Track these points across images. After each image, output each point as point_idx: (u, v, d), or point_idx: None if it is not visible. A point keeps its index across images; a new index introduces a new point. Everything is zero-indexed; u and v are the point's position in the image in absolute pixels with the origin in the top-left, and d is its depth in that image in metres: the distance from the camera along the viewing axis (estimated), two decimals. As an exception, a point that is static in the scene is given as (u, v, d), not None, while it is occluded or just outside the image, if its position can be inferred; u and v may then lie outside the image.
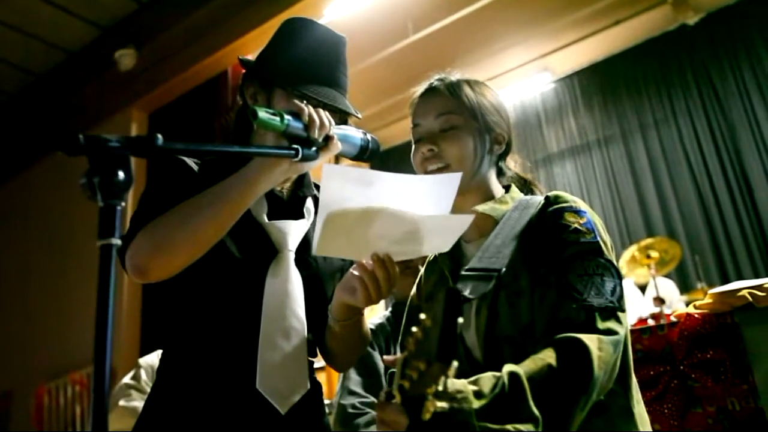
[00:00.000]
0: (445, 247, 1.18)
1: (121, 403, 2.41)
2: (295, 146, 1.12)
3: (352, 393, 2.13)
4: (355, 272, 1.18)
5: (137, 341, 4.38)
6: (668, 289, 4.90)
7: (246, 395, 1.21)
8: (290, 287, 1.28)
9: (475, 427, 0.87)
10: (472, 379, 0.94)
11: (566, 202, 1.18)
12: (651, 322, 3.78)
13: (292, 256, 1.31)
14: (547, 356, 0.98)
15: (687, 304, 4.21)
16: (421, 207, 1.10)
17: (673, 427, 1.66)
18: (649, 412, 1.69)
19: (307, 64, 1.32)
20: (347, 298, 1.21)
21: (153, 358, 2.55)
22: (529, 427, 0.90)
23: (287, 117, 1.13)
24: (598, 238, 1.12)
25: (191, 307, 1.30)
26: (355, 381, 2.17)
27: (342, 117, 1.35)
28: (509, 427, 0.89)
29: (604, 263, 1.10)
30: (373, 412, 2.10)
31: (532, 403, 0.91)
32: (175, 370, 1.29)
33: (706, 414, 1.65)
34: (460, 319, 0.75)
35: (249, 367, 1.22)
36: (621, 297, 1.08)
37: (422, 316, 0.78)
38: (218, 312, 1.28)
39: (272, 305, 1.26)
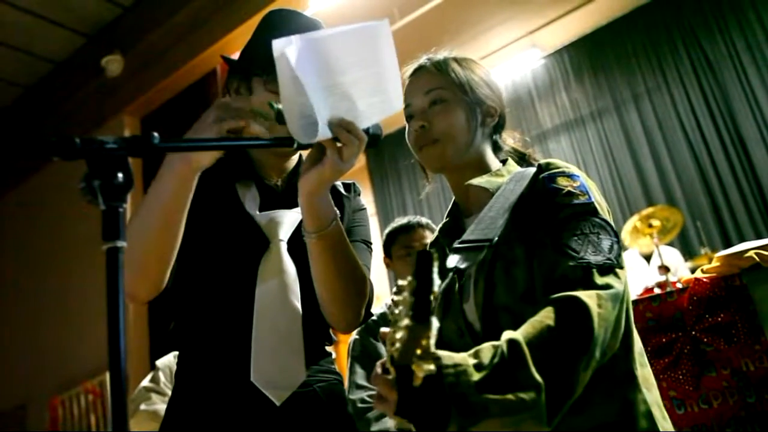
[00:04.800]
0: (395, 99, 1.11)
1: (143, 407, 2.41)
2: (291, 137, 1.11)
3: (360, 387, 2.11)
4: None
5: (146, 346, 4.38)
6: (673, 256, 4.90)
7: (250, 389, 1.21)
8: (283, 277, 1.26)
9: (474, 400, 0.86)
10: (471, 351, 0.92)
11: (558, 167, 1.17)
12: (657, 291, 3.79)
13: (283, 245, 1.29)
14: (545, 317, 0.96)
15: (692, 271, 4.21)
16: (367, 63, 1.06)
17: (689, 392, 1.66)
18: (664, 379, 1.70)
19: None
20: (312, 176, 1.13)
21: (170, 359, 2.55)
22: (531, 394, 0.88)
23: (276, 105, 1.12)
24: (593, 199, 1.11)
25: (191, 307, 1.31)
26: (361, 375, 2.15)
27: None
28: (510, 396, 0.87)
29: (600, 222, 1.09)
30: None
31: (533, 370, 0.89)
32: (185, 372, 1.30)
33: (721, 377, 1.65)
34: (437, 281, 0.73)
35: (248, 360, 1.22)
36: (619, 255, 1.06)
37: (402, 282, 0.77)
38: (217, 309, 1.28)
39: (264, 297, 1.25)
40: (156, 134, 0.77)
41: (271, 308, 1.24)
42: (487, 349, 0.92)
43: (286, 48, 1.02)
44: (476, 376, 0.87)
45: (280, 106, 1.12)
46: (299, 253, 1.30)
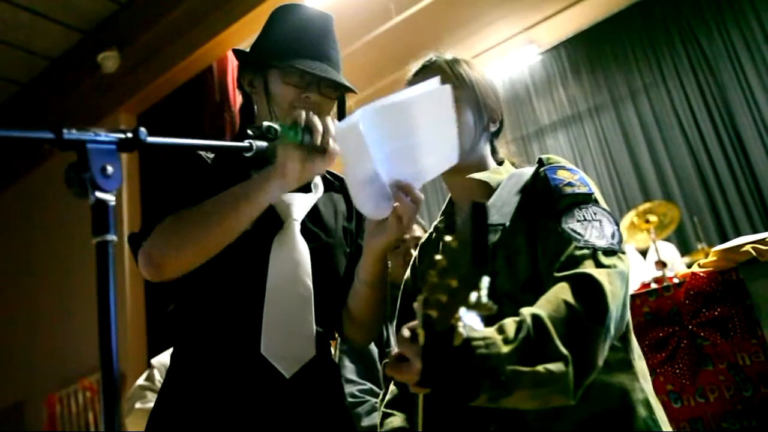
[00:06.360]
0: (452, 155, 1.17)
1: (138, 405, 2.40)
2: (249, 141, 1.11)
3: (349, 381, 2.09)
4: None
5: (144, 344, 4.37)
6: (669, 252, 4.90)
7: (258, 367, 1.22)
8: (296, 255, 1.29)
9: (506, 372, 0.88)
10: (495, 326, 0.94)
11: (558, 162, 1.22)
12: (654, 286, 3.79)
13: (297, 225, 1.32)
14: (560, 293, 0.99)
15: (688, 266, 4.21)
16: (429, 125, 1.12)
17: (685, 386, 1.66)
18: (660, 372, 1.70)
19: (297, 41, 1.33)
20: (378, 240, 1.20)
21: (166, 358, 2.54)
22: (560, 365, 0.91)
23: (300, 131, 1.13)
24: (593, 191, 1.16)
25: (200, 287, 1.31)
26: (350, 369, 2.13)
27: (338, 93, 1.35)
28: (540, 368, 0.90)
29: (602, 211, 1.14)
30: (374, 400, 2.07)
31: (559, 343, 0.93)
32: (187, 353, 1.30)
33: (717, 371, 1.66)
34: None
35: (258, 336, 1.23)
36: (621, 241, 1.11)
37: (447, 238, 0.78)
38: (227, 287, 1.29)
39: (277, 273, 1.27)
40: (144, 129, 0.77)
41: (283, 284, 1.27)
42: (509, 324, 0.95)
43: (352, 122, 1.07)
44: (506, 349, 0.90)
45: (303, 132, 1.13)
46: (310, 236, 1.33)
